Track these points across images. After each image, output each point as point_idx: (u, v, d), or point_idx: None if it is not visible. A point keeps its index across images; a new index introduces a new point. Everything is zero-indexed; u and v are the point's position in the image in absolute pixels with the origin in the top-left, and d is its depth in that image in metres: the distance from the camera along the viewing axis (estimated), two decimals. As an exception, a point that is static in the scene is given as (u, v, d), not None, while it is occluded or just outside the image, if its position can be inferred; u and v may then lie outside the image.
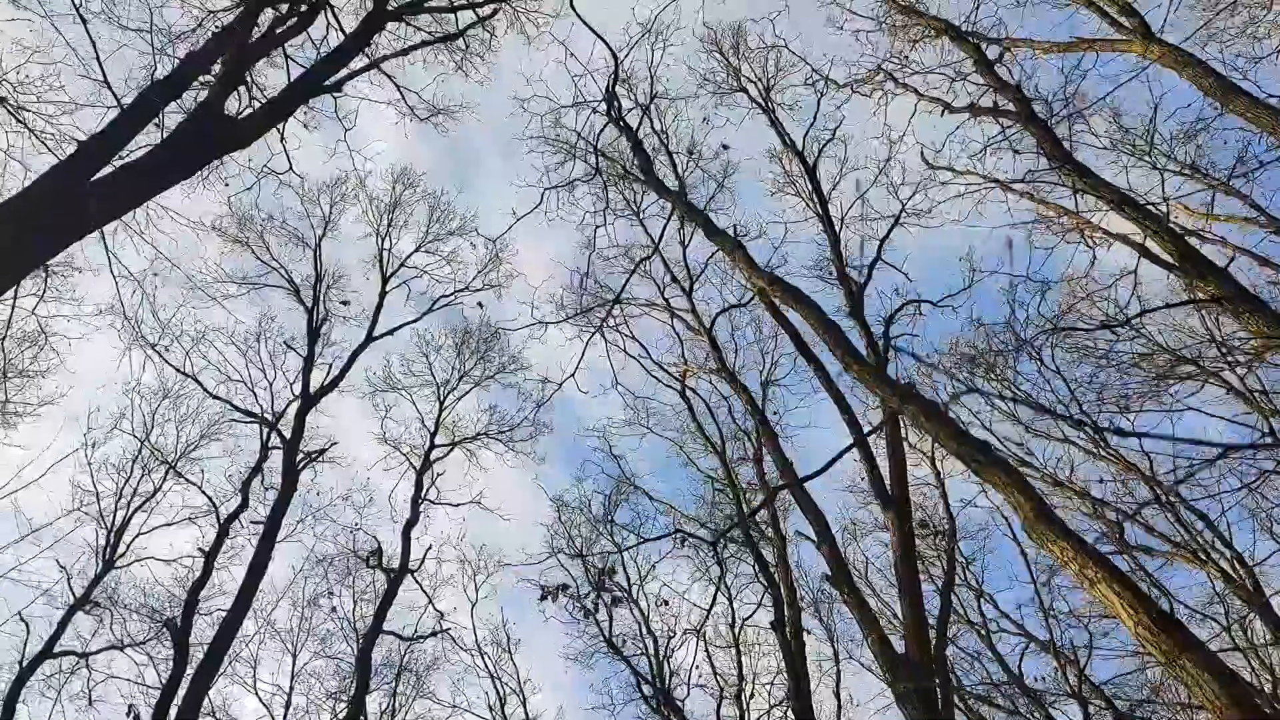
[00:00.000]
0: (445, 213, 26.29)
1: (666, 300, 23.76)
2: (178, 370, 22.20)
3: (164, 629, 19.41)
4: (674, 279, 23.01)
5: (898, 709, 11.80)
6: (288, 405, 23.30)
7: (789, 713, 19.02)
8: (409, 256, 25.71)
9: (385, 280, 24.86)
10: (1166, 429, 26.38)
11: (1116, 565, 6.42)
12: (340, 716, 20.52)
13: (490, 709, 26.79)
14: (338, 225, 25.87)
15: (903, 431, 15.59)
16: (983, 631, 21.64)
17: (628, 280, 11.23)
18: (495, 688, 26.90)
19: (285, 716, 27.33)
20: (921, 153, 14.53)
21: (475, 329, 27.83)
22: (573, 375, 10.81)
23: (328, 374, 22.63)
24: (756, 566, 18.65)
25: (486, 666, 27.22)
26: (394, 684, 28.16)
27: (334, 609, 23.32)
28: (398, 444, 26.20)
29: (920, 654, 12.24)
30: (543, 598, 9.83)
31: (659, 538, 14.73)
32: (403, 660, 28.23)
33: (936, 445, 7.51)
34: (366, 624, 21.90)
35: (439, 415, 26.41)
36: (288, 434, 21.14)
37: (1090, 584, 6.39)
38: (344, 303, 25.42)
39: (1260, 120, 12.50)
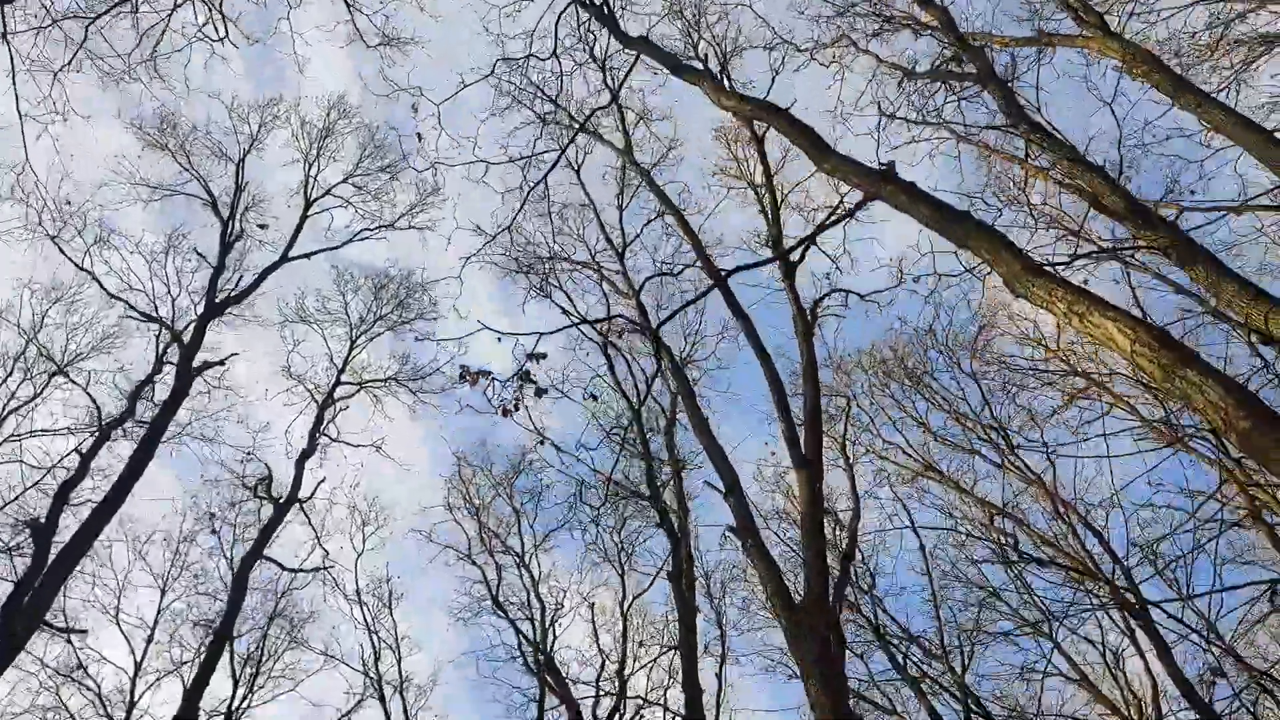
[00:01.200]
0: (379, 147, 25.50)
1: (598, 264, 23.44)
2: (76, 265, 20.99)
3: (26, 529, 18.20)
4: (609, 241, 22.70)
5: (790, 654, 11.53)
6: (188, 325, 22.23)
7: (675, 665, 18.75)
8: (336, 185, 24.86)
9: (308, 204, 23.95)
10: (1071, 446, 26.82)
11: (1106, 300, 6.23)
12: (206, 641, 19.41)
13: (364, 662, 25.98)
14: (264, 144, 24.92)
15: (821, 398, 15.43)
16: (873, 622, 21.66)
17: (577, 133, 10.64)
18: (371, 641, 26.09)
19: (146, 651, 26.14)
20: (879, 104, 14.39)
21: (398, 275, 27.08)
22: (509, 224, 9.99)
23: (236, 286, 21.65)
24: (659, 518, 18.33)
25: (364, 619, 26.40)
26: (265, 628, 27.17)
27: (214, 530, 22.20)
28: (302, 378, 25.26)
29: (818, 602, 12.01)
30: (461, 378, 9.12)
31: (599, 321, 14.08)
32: (277, 606, 27.25)
33: (922, 227, 7.20)
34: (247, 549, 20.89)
35: (349, 353, 25.56)
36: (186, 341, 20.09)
37: (1080, 319, 6.20)
38: (262, 226, 24.39)
39: (1208, 116, 12.66)
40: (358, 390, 26.04)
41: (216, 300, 20.79)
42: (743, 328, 15.97)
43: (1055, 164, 10.39)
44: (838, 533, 21.89)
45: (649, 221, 22.54)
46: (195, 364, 19.52)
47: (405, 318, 26.65)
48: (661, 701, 24.49)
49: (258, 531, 21.21)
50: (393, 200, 25.68)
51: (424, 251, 25.91)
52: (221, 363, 20.84)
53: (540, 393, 8.97)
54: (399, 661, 26.15)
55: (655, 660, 23.55)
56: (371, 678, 25.41)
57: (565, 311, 21.70)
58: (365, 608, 26.62)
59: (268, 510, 21.96)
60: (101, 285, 20.91)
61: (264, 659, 27.35)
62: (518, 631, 23.34)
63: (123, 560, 27.57)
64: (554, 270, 22.31)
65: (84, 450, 18.94)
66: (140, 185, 22.95)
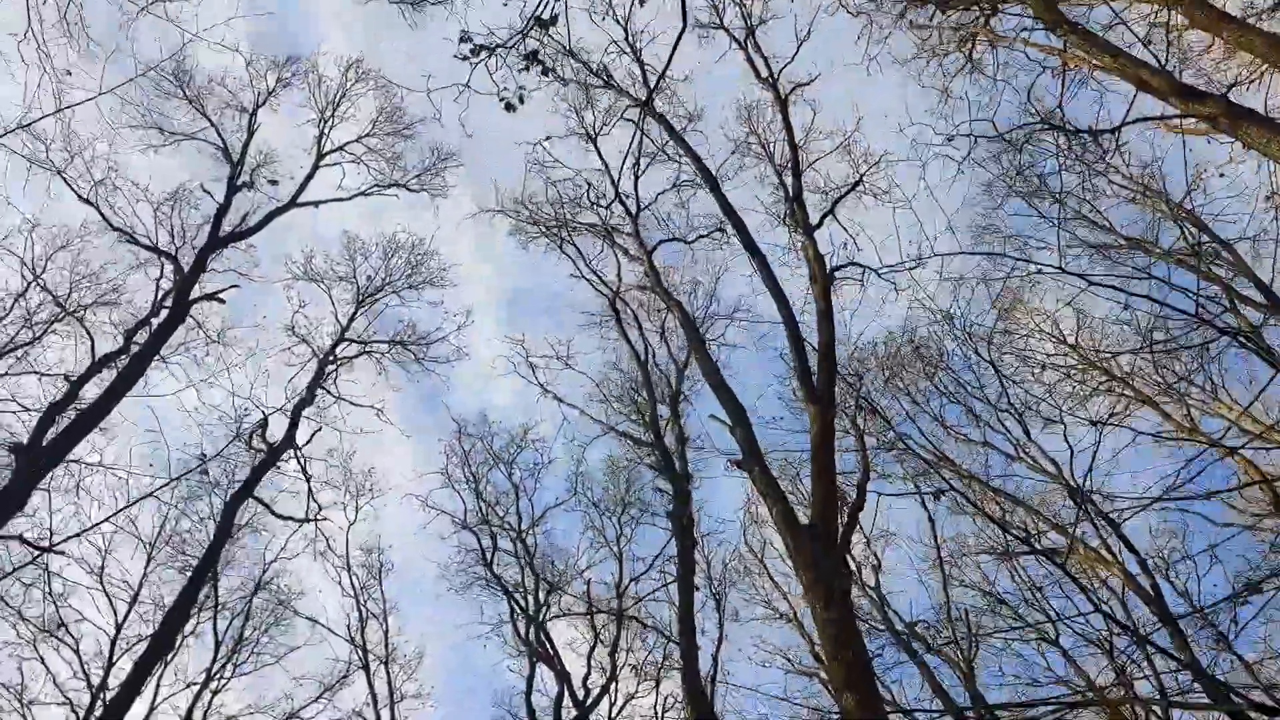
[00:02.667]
0: (394, 111, 25.22)
1: (608, 227, 22.99)
2: (82, 198, 20.50)
3: (8, 452, 17.62)
4: (622, 204, 22.30)
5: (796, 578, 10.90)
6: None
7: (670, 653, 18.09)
8: (349, 144, 24.54)
9: (320, 157, 23.58)
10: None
11: None
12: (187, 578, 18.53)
13: (349, 631, 25.29)
14: (279, 100, 24.64)
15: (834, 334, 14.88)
16: (876, 599, 20.98)
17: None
18: (359, 611, 25.41)
19: (128, 615, 25.53)
20: (910, 20, 13.88)
21: (408, 241, 26.68)
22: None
23: (241, 223, 21.22)
24: (662, 459, 17.77)
25: (353, 586, 25.73)
26: (250, 594, 26.54)
27: (204, 471, 21.54)
28: (306, 336, 24.77)
29: (826, 527, 11.39)
30: (462, 42, 8.31)
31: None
32: (263, 576, 26.66)
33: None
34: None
35: (354, 313, 25.11)
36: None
37: None
38: (272, 182, 24.03)
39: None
40: (362, 352, 25.59)
41: (220, 235, 20.36)
42: (757, 265, 15.50)
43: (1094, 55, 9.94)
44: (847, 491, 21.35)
45: (659, 195, 22.17)
46: (193, 295, 19.06)
47: (414, 283, 26.27)
48: (654, 689, 23.80)
49: (249, 472, 20.63)
50: (404, 166, 25.48)
51: (436, 219, 25.50)
52: (219, 297, 20.28)
53: (547, 71, 8.31)
54: (386, 632, 25.48)
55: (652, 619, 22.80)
56: (357, 646, 24.73)
57: (573, 261, 21.14)
58: (354, 576, 26.03)
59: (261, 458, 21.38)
60: (105, 218, 20.38)
61: (246, 631, 26.79)
62: (510, 598, 22.68)
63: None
64: (567, 224, 21.93)
65: (74, 378, 18.37)
66: (151, 129, 22.59)
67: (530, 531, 25.03)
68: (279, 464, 22.49)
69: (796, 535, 11.24)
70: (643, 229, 21.79)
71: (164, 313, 20.61)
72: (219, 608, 26.63)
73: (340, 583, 25.92)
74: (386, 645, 25.24)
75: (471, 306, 26.78)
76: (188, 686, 26.58)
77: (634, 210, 21.98)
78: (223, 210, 20.83)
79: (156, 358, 18.12)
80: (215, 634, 25.50)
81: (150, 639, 16.35)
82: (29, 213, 28.34)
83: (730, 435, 13.78)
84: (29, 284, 22.71)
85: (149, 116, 22.78)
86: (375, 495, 26.84)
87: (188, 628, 27.30)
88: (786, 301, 14.83)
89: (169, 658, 19.30)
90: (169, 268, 20.20)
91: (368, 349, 25.45)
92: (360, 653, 24.60)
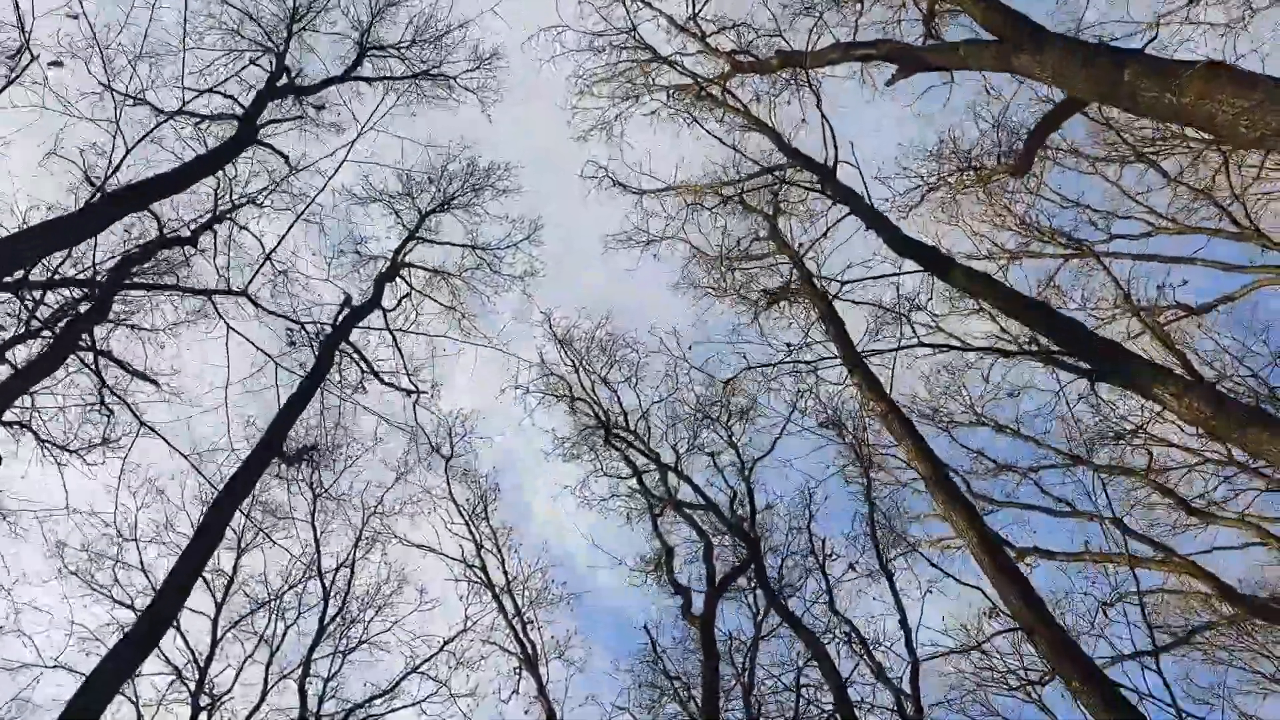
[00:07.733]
0: (429, 18, 24.12)
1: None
2: (132, 98, 19.04)
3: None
4: (683, 31, 20.82)
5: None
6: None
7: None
8: (389, 46, 23.33)
9: (363, 50, 22.31)
10: None
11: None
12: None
13: (465, 557, 23.16)
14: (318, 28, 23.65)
15: None
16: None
17: None
18: (471, 534, 23.30)
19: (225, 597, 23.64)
20: None
21: (462, 157, 25.26)
22: None
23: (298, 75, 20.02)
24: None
25: (462, 516, 23.64)
26: (351, 558, 24.60)
27: (292, 343, 19.61)
28: (373, 255, 23.34)
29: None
30: None
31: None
32: (361, 530, 24.72)
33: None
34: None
35: (420, 221, 23.64)
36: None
37: None
38: (319, 108, 23.01)
39: None
40: (435, 271, 24.10)
41: (277, 86, 19.09)
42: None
43: None
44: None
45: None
46: (258, 121, 17.66)
47: (476, 198, 24.92)
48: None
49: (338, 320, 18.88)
50: (451, 74, 24.35)
51: (489, 115, 24.03)
52: (282, 152, 18.95)
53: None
54: (502, 561, 23.25)
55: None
56: (474, 568, 22.59)
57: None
58: (462, 509, 23.98)
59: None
60: (156, 108, 18.97)
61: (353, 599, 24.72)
62: (630, 461, 20.62)
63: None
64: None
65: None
66: (191, 50, 21.44)
67: (641, 422, 23.03)
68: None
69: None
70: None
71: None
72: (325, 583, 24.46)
73: (447, 520, 23.96)
74: (504, 572, 23.04)
75: (540, 217, 24.92)
76: (297, 668, 24.39)
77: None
78: (274, 76, 19.61)
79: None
80: (323, 585, 23.41)
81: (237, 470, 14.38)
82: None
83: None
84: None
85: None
86: (471, 430, 25.10)
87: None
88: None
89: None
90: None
91: (437, 271, 23.98)
92: (480, 574, 22.44)
